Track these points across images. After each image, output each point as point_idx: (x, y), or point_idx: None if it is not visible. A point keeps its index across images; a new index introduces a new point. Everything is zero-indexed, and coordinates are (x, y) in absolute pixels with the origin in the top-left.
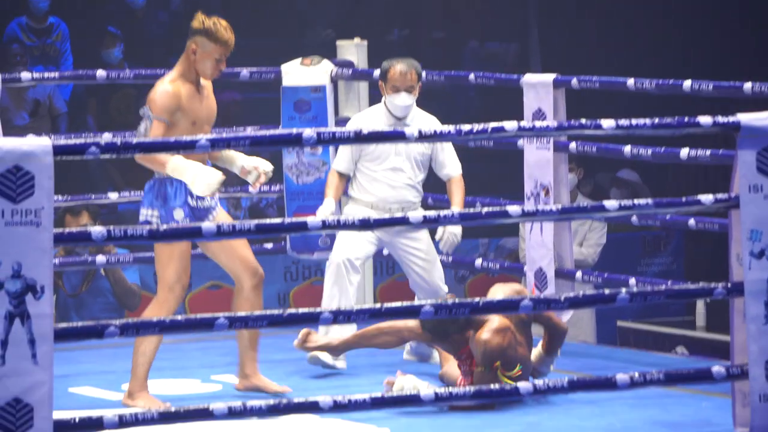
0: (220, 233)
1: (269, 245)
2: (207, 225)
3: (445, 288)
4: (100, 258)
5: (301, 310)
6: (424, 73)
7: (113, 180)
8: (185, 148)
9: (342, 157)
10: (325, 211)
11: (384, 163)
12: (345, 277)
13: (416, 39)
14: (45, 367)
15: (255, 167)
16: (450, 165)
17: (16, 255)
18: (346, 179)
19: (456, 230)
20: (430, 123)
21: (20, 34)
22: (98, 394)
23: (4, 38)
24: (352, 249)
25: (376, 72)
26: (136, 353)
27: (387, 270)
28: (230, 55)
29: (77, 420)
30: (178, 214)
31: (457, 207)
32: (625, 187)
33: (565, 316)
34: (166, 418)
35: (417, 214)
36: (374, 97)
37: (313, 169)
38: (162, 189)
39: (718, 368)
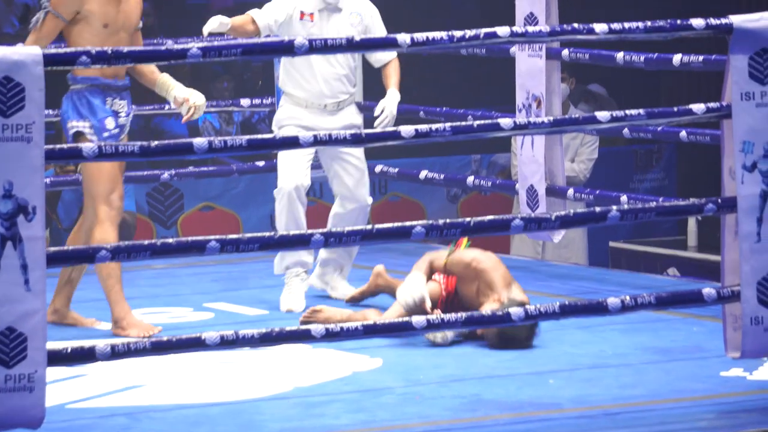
0: (212, 149)
1: (261, 163)
2: (198, 141)
3: (370, 200)
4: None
5: (292, 233)
6: None
7: None
8: (176, 57)
9: (266, 14)
10: (214, 22)
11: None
12: (297, 205)
13: None
14: (38, 294)
15: (186, 99)
16: None
17: (6, 173)
18: (254, 31)
19: (393, 110)
20: (363, 6)
21: None
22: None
23: None
24: (299, 174)
25: None
26: (103, 280)
27: (380, 189)
28: None
29: (69, 350)
30: (110, 122)
31: (393, 87)
32: (593, 101)
33: (557, 236)
34: (158, 348)
35: (408, 128)
36: None
37: None
38: (84, 100)
39: (708, 290)
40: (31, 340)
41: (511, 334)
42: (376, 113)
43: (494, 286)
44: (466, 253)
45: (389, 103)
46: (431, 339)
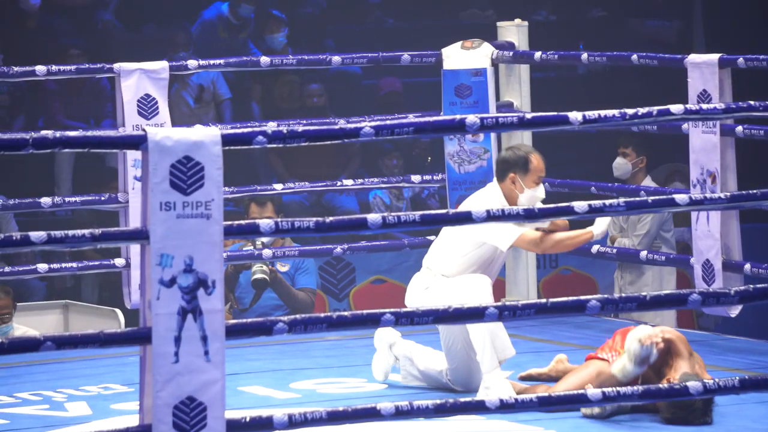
0: (386, 225)
1: (432, 237)
2: (372, 216)
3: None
4: (267, 252)
5: (466, 306)
6: (585, 55)
7: (276, 170)
8: (349, 136)
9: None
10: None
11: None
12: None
13: (575, 18)
14: (217, 365)
15: None
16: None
17: (187, 249)
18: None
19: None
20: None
21: (217, 26)
22: (267, 392)
23: (205, 20)
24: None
25: (538, 54)
26: None
27: (550, 263)
28: (390, 39)
29: (248, 420)
30: None
31: (574, 236)
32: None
33: (734, 311)
34: (334, 417)
35: (582, 204)
36: (535, 81)
37: (474, 157)
38: None
39: None
40: (210, 410)
41: (687, 408)
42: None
43: (680, 356)
44: (637, 332)
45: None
46: (587, 413)
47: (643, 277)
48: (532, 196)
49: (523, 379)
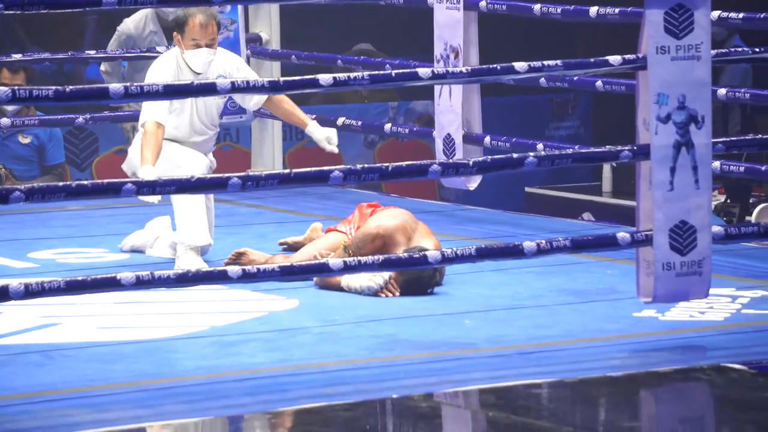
0: (128, 95)
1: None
2: (114, 86)
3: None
4: (5, 121)
5: (210, 176)
6: None
7: (20, 39)
8: (91, 5)
9: (160, 108)
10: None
11: (184, 117)
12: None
13: None
14: None
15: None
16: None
17: None
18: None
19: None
20: (234, 63)
21: None
22: (3, 262)
23: None
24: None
25: None
26: None
27: (296, 135)
28: None
29: None
30: None
31: (311, 121)
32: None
33: (473, 183)
34: (73, 287)
35: (326, 77)
36: None
37: (221, 28)
38: None
39: (623, 234)
40: None
41: (415, 277)
42: (327, 148)
43: (397, 246)
44: (366, 228)
45: (324, 132)
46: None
47: None
48: (192, 58)
49: (281, 245)
